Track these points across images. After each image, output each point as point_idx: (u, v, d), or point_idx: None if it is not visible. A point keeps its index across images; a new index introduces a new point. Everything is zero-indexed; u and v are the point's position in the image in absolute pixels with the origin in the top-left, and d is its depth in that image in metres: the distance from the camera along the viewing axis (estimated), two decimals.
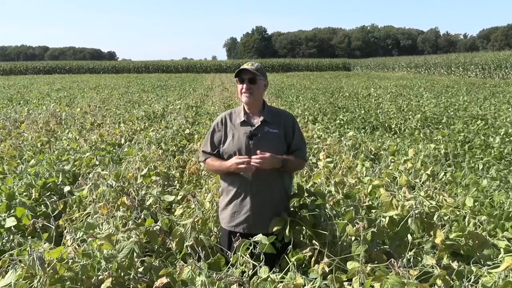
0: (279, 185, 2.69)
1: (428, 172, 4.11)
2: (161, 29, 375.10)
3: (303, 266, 2.55)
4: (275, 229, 2.56)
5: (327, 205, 2.89)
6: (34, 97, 17.57)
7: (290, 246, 2.47)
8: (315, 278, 2.08)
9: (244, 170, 2.51)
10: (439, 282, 2.02)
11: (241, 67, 2.61)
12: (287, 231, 2.54)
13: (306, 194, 2.87)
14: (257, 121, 2.64)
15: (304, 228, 2.73)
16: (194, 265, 2.11)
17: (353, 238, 2.55)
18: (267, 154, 2.49)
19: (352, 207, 2.86)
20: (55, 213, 3.59)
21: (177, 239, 2.73)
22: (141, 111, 11.74)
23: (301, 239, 2.83)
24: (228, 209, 2.69)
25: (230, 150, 2.63)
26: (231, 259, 2.32)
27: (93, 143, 6.70)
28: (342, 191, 3.22)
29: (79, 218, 3.38)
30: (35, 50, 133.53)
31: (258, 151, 2.51)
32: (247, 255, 2.24)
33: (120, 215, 3.06)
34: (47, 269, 2.13)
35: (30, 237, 2.97)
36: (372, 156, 6.16)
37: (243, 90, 2.60)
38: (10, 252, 2.56)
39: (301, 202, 2.88)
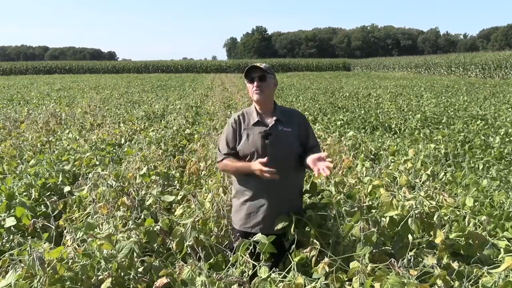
0: (295, 182, 2.69)
1: (428, 172, 4.11)
2: (161, 29, 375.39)
3: (305, 265, 2.54)
4: (279, 226, 2.53)
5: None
6: (34, 97, 17.57)
7: (294, 246, 2.46)
8: (318, 279, 2.07)
9: (269, 177, 2.45)
10: (439, 282, 2.02)
11: (251, 65, 2.60)
12: (292, 229, 2.52)
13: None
14: (270, 120, 2.63)
15: (310, 227, 2.72)
16: (194, 265, 2.11)
17: (356, 239, 2.55)
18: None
19: (356, 208, 2.85)
20: (55, 213, 3.59)
21: (177, 239, 2.73)
22: (141, 111, 11.74)
23: (308, 238, 2.81)
24: (243, 210, 2.64)
25: (246, 150, 2.60)
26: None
27: (93, 143, 6.70)
28: (343, 191, 3.22)
29: (79, 218, 3.38)
30: (35, 50, 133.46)
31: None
32: (247, 255, 2.24)
33: (120, 215, 3.06)
34: (47, 269, 2.13)
35: (30, 237, 2.96)
36: (372, 156, 6.15)
37: (254, 89, 2.59)
38: (10, 252, 2.56)
39: (310, 201, 2.89)
